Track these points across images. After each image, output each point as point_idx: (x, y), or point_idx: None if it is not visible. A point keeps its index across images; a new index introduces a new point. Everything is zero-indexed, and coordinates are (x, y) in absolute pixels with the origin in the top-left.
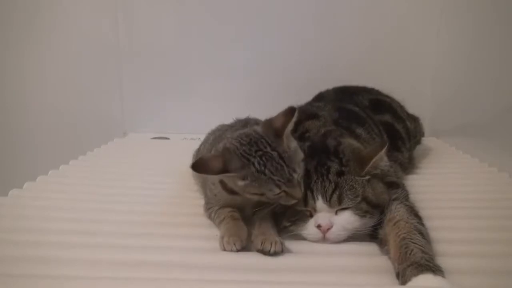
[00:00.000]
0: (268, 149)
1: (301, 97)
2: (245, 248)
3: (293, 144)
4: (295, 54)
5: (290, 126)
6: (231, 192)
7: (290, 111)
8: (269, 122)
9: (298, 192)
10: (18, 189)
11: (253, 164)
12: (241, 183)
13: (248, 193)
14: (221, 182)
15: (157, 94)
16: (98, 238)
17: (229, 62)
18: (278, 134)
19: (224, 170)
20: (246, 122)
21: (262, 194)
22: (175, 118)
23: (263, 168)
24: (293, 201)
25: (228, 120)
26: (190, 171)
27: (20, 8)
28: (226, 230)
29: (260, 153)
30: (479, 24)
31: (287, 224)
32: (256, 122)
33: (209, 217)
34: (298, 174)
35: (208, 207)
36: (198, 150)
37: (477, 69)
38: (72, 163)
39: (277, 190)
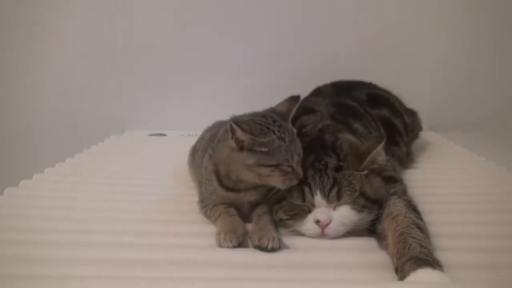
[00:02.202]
0: (282, 122)
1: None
2: (242, 243)
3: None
4: (293, 52)
5: (293, 111)
6: (227, 188)
7: (295, 97)
8: (272, 109)
9: (301, 171)
10: (14, 187)
11: (274, 132)
12: (263, 149)
13: (262, 166)
14: (218, 178)
15: (155, 91)
16: (95, 237)
17: (227, 59)
18: (284, 118)
19: (252, 133)
20: None
21: (276, 165)
22: (173, 115)
23: (283, 135)
24: (294, 182)
25: (225, 116)
26: (187, 167)
27: (19, 8)
28: (222, 226)
29: (277, 123)
30: (478, 18)
31: (284, 217)
32: None
33: (205, 215)
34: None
35: (203, 205)
36: (195, 147)
37: (475, 65)
38: (68, 161)
39: (291, 162)
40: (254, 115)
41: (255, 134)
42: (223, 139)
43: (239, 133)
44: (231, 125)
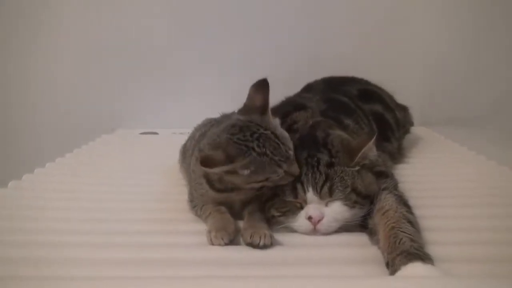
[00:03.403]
0: (262, 130)
1: (290, 91)
2: (233, 241)
3: (276, 121)
4: (284, 48)
5: (268, 99)
6: (218, 190)
7: (264, 83)
8: (247, 107)
9: (296, 169)
10: (3, 188)
11: (253, 148)
12: (245, 172)
13: (251, 183)
14: (208, 182)
15: (145, 89)
16: (86, 237)
17: (218, 57)
18: (263, 112)
19: (228, 161)
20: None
21: (266, 179)
22: (164, 113)
23: (264, 149)
24: (291, 179)
25: (217, 114)
26: (178, 166)
27: (14, 6)
28: (212, 224)
29: (256, 135)
30: (470, 15)
31: (277, 214)
32: None
33: (196, 214)
34: (292, 150)
35: (193, 205)
36: (185, 145)
37: (467, 60)
38: (58, 161)
39: (280, 171)
40: (232, 127)
41: (233, 158)
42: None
43: (211, 171)
44: (201, 162)
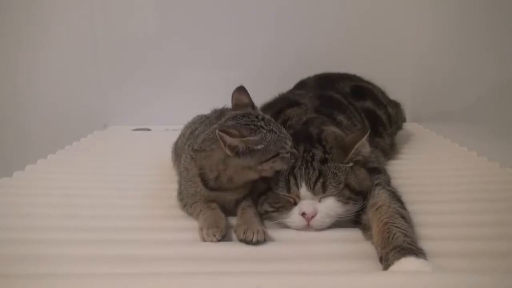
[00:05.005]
0: (262, 116)
1: (283, 87)
2: (225, 236)
3: None
4: (276, 44)
5: None
6: (212, 189)
7: (243, 87)
8: (237, 106)
9: (295, 151)
10: None
11: (262, 126)
12: (259, 146)
13: (263, 162)
14: (203, 180)
15: (138, 84)
16: (76, 234)
17: (211, 52)
18: (252, 108)
19: (242, 136)
20: (221, 112)
21: (277, 155)
22: (157, 109)
23: (270, 127)
24: (291, 162)
25: (209, 110)
26: (171, 163)
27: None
28: (204, 221)
29: (260, 117)
30: (460, 9)
31: (270, 209)
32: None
33: (187, 212)
34: None
35: (183, 203)
36: (176, 143)
37: (458, 56)
38: (50, 158)
39: (287, 147)
40: (234, 118)
41: (246, 136)
42: (209, 146)
43: (229, 140)
44: (219, 135)
